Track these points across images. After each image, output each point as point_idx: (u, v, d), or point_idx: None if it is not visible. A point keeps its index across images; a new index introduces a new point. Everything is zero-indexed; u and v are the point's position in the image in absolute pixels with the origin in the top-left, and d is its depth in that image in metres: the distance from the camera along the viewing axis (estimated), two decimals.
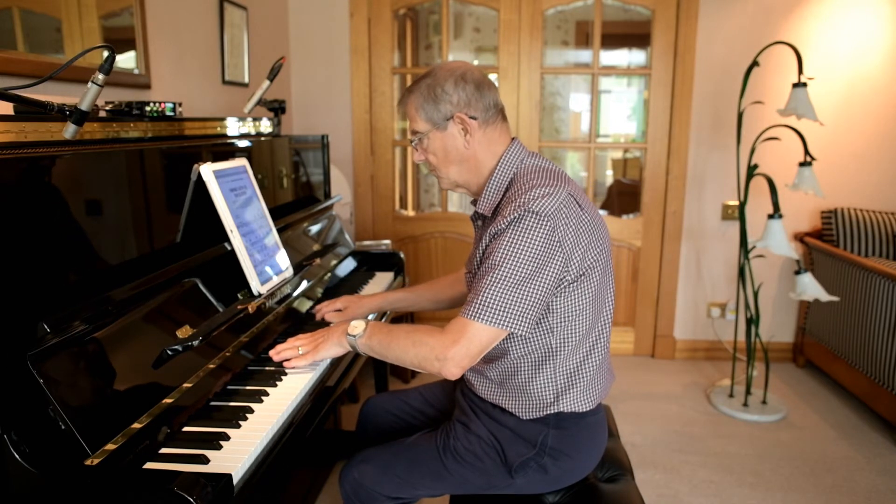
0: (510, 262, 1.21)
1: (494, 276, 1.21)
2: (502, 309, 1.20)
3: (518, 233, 1.22)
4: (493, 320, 1.20)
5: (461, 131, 1.36)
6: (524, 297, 1.21)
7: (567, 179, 1.33)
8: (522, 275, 1.20)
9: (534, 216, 1.22)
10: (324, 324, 1.72)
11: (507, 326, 1.21)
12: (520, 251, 1.21)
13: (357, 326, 1.37)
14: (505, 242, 1.22)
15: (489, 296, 1.20)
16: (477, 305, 1.21)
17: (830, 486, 2.36)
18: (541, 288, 1.22)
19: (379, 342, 1.33)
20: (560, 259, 1.24)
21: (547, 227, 1.22)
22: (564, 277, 1.27)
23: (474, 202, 1.48)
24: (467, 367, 1.24)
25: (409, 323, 1.58)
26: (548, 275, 1.22)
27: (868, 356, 2.80)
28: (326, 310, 1.74)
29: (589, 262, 1.29)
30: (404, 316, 3.13)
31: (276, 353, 1.43)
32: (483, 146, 1.37)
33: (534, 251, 1.21)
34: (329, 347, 1.40)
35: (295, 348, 1.42)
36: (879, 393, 2.72)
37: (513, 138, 1.41)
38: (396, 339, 1.31)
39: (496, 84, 1.47)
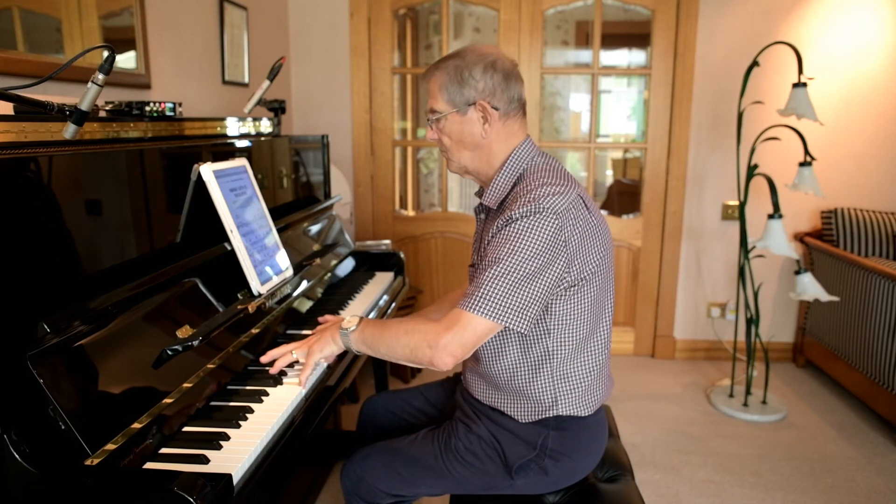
0: (513, 257, 1.20)
1: (496, 270, 1.20)
2: (500, 303, 1.19)
3: (524, 228, 1.21)
4: (491, 313, 1.19)
5: (481, 119, 1.34)
6: (523, 293, 1.20)
7: (575, 181, 1.32)
8: (524, 271, 1.19)
9: (542, 213, 1.21)
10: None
11: (503, 321, 1.20)
12: (524, 247, 1.20)
13: (351, 322, 1.34)
14: (510, 237, 1.21)
15: (489, 289, 1.19)
16: (476, 298, 1.20)
17: (830, 486, 2.36)
18: (541, 286, 1.21)
19: (371, 334, 1.30)
20: (563, 259, 1.23)
21: (554, 226, 1.21)
22: (565, 278, 1.26)
23: (479, 194, 1.47)
24: (460, 357, 1.22)
25: None
26: (550, 273, 1.22)
27: (868, 356, 2.80)
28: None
29: (591, 267, 1.28)
30: None
31: (270, 361, 1.38)
32: (500, 137, 1.36)
33: (538, 248, 1.20)
34: (323, 346, 1.35)
35: (288, 352, 1.37)
36: (879, 393, 2.72)
37: (527, 135, 1.40)
38: (388, 329, 1.28)
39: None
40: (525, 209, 1.22)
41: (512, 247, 1.20)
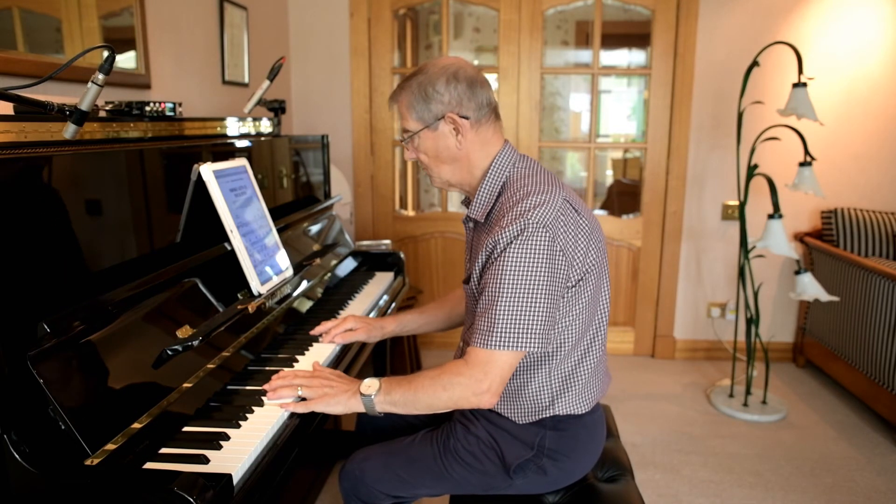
0: (516, 284, 1.20)
1: (504, 302, 1.20)
2: (518, 333, 1.20)
3: (518, 252, 1.21)
4: (511, 345, 1.21)
5: (452, 131, 1.33)
6: (536, 315, 1.21)
7: (560, 183, 1.32)
8: (531, 294, 1.20)
9: (531, 230, 1.21)
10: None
11: (524, 347, 1.21)
12: (523, 271, 1.20)
13: (371, 385, 1.28)
14: (508, 265, 1.21)
15: (504, 324, 1.20)
16: (495, 335, 1.21)
17: (830, 486, 2.36)
18: (549, 302, 1.22)
19: (402, 395, 1.27)
20: (563, 268, 1.24)
21: (547, 239, 1.21)
22: (566, 284, 1.27)
23: (465, 203, 1.47)
24: (500, 391, 1.24)
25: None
26: (554, 287, 1.23)
27: (868, 356, 2.80)
28: (336, 331, 1.61)
29: (587, 267, 1.29)
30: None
31: (272, 391, 1.29)
32: (476, 146, 1.36)
33: (537, 268, 1.20)
34: (334, 405, 1.28)
35: (294, 388, 1.29)
36: (879, 393, 2.72)
37: (505, 140, 1.40)
38: (422, 387, 1.25)
39: (492, 83, 1.41)
40: (513, 229, 1.22)
41: (512, 275, 1.21)
